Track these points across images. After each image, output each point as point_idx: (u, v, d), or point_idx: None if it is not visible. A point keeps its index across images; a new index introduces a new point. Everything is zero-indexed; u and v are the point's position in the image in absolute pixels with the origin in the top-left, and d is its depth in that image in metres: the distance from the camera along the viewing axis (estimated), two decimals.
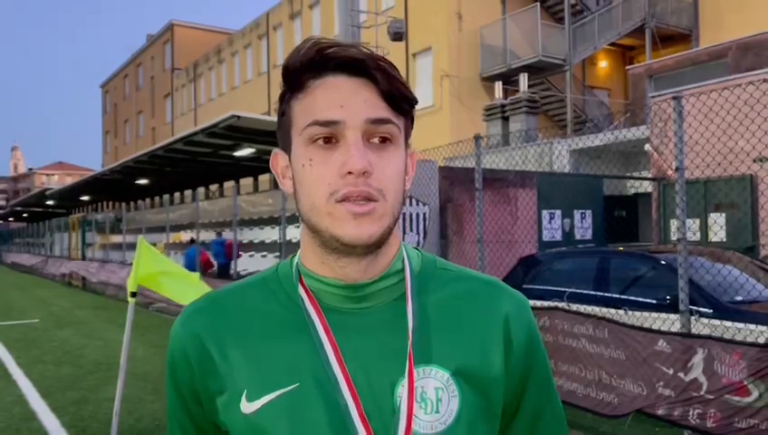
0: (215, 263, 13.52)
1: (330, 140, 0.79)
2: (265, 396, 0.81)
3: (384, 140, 0.80)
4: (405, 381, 0.80)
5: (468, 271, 0.93)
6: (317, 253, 0.84)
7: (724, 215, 9.42)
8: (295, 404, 0.80)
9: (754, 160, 6.07)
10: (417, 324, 0.83)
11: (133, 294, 4.47)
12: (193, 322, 0.88)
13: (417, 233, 8.71)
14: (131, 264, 4.68)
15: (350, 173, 0.77)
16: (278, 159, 0.88)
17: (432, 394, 0.81)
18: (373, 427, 0.79)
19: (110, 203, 28.62)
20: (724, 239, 9.29)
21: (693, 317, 4.83)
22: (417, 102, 0.84)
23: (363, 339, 0.83)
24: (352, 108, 0.78)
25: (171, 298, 4.63)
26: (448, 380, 0.82)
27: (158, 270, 4.55)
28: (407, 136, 0.85)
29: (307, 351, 0.82)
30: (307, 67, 0.80)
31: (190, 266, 10.42)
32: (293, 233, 11.94)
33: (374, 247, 0.81)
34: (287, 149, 0.85)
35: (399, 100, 0.81)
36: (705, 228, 9.51)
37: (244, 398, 0.82)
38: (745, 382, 4.07)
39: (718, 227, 9.33)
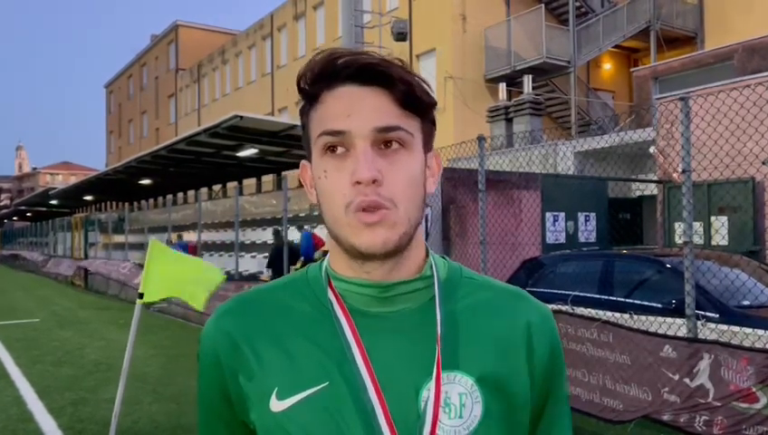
0: None
1: (337, 150, 0.81)
2: (296, 395, 0.82)
3: (392, 143, 0.81)
4: (431, 386, 0.82)
5: (493, 280, 0.95)
6: (343, 258, 0.86)
7: (726, 218, 9.34)
8: (325, 403, 0.82)
9: (763, 162, 6.00)
10: (444, 331, 0.84)
11: (140, 295, 4.41)
12: (224, 321, 0.90)
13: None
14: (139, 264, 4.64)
15: (358, 183, 0.78)
16: (306, 170, 0.90)
17: (456, 399, 0.82)
18: (398, 430, 0.80)
19: (114, 203, 28.64)
20: (727, 243, 9.21)
21: (699, 322, 4.75)
22: (435, 104, 0.86)
23: (389, 342, 0.84)
24: (359, 117, 0.79)
25: (188, 302, 4.56)
26: (472, 386, 0.84)
27: (172, 272, 4.48)
28: (426, 138, 0.86)
29: (335, 352, 0.83)
30: (319, 78, 0.82)
31: None
32: (295, 234, 11.88)
33: (392, 254, 0.82)
34: (310, 160, 0.87)
35: (413, 104, 0.81)
36: (708, 232, 9.42)
37: (274, 396, 0.83)
38: (753, 389, 4.00)
39: (725, 230, 9.25)
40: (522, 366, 0.87)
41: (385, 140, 0.80)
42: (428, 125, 0.86)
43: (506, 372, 0.86)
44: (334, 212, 0.81)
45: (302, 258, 11.47)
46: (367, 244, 0.80)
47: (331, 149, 0.81)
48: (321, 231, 11.33)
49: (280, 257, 11.27)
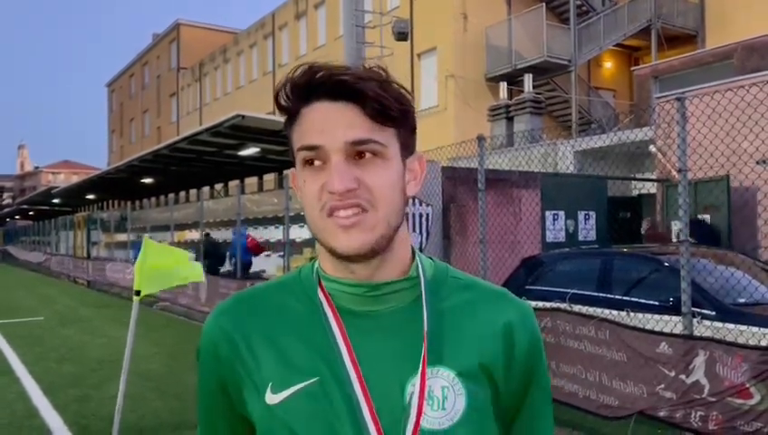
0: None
1: (317, 162, 0.86)
2: (289, 388, 0.87)
3: (365, 155, 0.85)
4: (415, 381, 0.86)
5: (478, 280, 0.99)
6: (330, 259, 0.91)
7: (709, 216, 9.40)
8: (316, 396, 0.86)
9: (758, 162, 6.05)
10: (429, 328, 0.89)
11: (137, 293, 4.50)
12: (222, 319, 0.95)
13: (420, 233, 8.69)
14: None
15: (332, 193, 0.83)
16: (294, 176, 0.95)
17: (439, 392, 0.87)
18: (383, 423, 0.85)
19: (116, 202, 28.70)
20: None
21: (695, 319, 4.80)
22: (410, 112, 0.89)
23: (376, 340, 0.89)
24: (331, 132, 0.84)
25: (180, 283, 4.81)
26: (454, 379, 0.88)
27: (165, 266, 4.60)
28: (405, 145, 0.90)
29: (324, 349, 0.88)
30: (296, 94, 0.87)
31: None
32: (297, 232, 11.96)
33: (371, 255, 0.87)
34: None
35: (384, 116, 0.85)
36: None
37: (269, 390, 0.88)
38: (747, 385, 4.05)
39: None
40: (501, 361, 0.91)
41: (358, 152, 0.85)
42: (406, 132, 0.90)
43: (487, 367, 0.90)
44: (313, 217, 0.87)
45: (233, 259, 12.56)
46: (344, 246, 0.85)
47: (309, 162, 0.86)
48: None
49: (207, 258, 12.93)
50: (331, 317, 0.90)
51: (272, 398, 0.88)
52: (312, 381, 0.87)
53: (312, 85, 0.86)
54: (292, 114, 0.89)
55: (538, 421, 0.98)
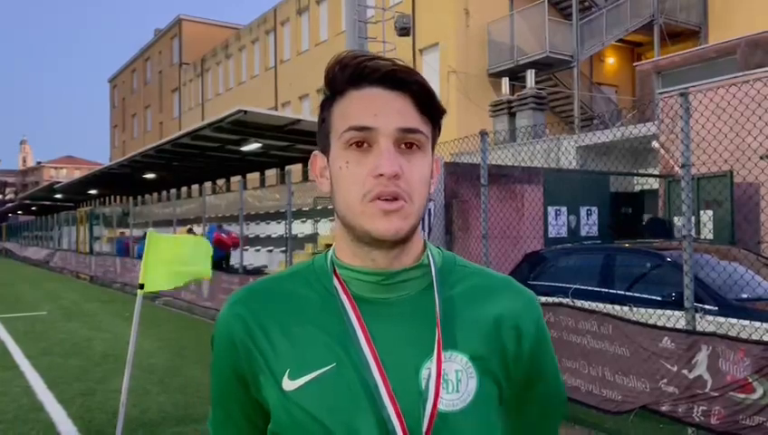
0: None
1: (363, 145, 0.88)
2: (307, 375, 0.89)
3: (413, 146, 0.89)
4: (431, 365, 0.89)
5: (484, 268, 1.03)
6: (350, 246, 0.93)
7: (712, 212, 9.41)
8: (333, 382, 0.89)
9: (761, 157, 6.06)
10: (441, 314, 0.92)
11: (141, 286, 4.53)
12: (238, 308, 0.96)
13: (422, 229, 8.70)
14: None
15: (381, 175, 0.85)
16: (317, 160, 0.97)
17: (453, 376, 0.90)
18: (400, 405, 0.87)
19: (118, 197, 28.73)
20: (713, 237, 9.27)
21: (698, 314, 4.81)
22: (445, 113, 0.94)
23: (390, 326, 0.91)
24: (385, 117, 0.87)
25: (190, 281, 4.84)
26: (467, 363, 0.91)
27: (170, 259, 4.62)
28: (433, 143, 0.95)
29: (341, 335, 0.90)
30: (348, 78, 0.90)
31: None
32: (299, 228, 11.99)
33: (400, 242, 0.90)
34: (326, 151, 0.94)
35: (430, 111, 0.91)
36: (697, 226, 9.46)
37: (286, 376, 0.90)
38: (750, 380, 4.06)
39: (711, 224, 9.30)
40: (509, 346, 0.94)
41: (405, 141, 0.88)
42: (437, 131, 0.95)
43: (496, 351, 0.93)
44: (350, 200, 0.88)
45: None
46: (381, 230, 0.87)
47: (357, 144, 0.88)
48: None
49: None
50: (346, 304, 0.92)
51: (289, 384, 0.90)
52: (329, 367, 0.89)
53: (367, 70, 0.89)
54: (337, 92, 0.92)
55: (547, 404, 1.02)
